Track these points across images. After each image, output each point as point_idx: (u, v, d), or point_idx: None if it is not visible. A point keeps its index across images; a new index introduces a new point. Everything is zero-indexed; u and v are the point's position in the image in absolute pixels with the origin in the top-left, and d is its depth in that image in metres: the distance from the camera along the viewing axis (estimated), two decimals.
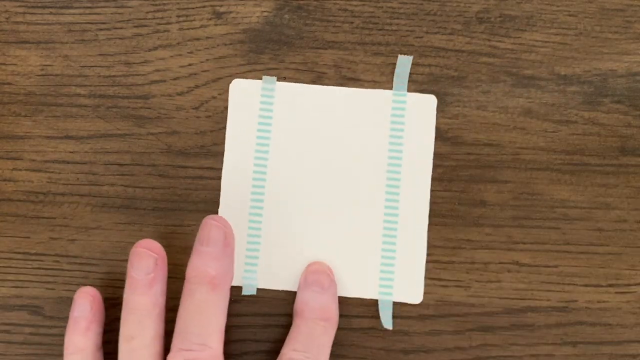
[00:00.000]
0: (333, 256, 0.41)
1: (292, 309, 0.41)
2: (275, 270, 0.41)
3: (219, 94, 0.42)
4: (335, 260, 0.41)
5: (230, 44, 0.42)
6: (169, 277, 0.41)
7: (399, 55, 0.42)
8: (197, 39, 0.42)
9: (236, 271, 0.41)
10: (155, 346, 0.37)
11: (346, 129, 0.42)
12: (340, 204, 0.41)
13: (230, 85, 0.42)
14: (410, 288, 0.41)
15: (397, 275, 0.40)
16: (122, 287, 0.41)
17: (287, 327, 0.41)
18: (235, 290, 0.41)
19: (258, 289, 0.41)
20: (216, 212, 0.41)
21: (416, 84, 0.42)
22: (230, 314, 0.41)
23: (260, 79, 0.42)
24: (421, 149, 0.41)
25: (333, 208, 0.41)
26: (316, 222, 0.41)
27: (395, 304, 0.41)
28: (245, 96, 0.42)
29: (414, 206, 0.41)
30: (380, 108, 0.42)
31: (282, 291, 0.41)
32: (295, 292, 0.41)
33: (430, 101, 0.42)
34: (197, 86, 0.42)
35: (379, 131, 0.42)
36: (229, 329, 0.41)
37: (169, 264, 0.41)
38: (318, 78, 0.42)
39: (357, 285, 0.41)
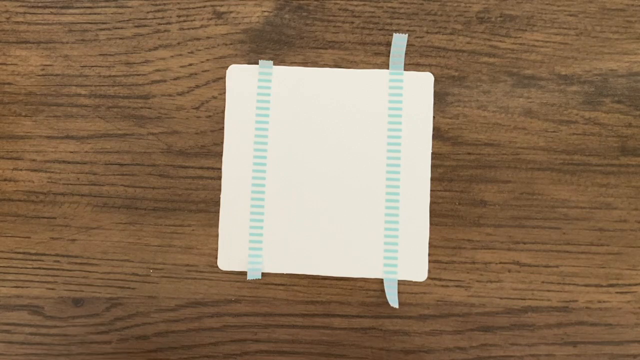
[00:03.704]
0: (336, 238, 0.41)
1: (292, 308, 0.41)
2: (280, 254, 0.41)
3: (219, 94, 0.42)
4: (339, 241, 0.41)
5: (231, 44, 0.42)
6: (169, 277, 0.41)
7: (394, 34, 0.42)
8: (198, 39, 0.42)
9: (241, 257, 0.41)
10: None
11: (344, 109, 0.42)
12: (341, 185, 0.41)
13: (227, 70, 0.42)
14: (414, 266, 0.41)
15: (400, 254, 0.41)
16: (122, 287, 0.41)
17: (287, 327, 0.41)
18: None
19: (262, 282, 0.41)
20: (217, 211, 0.42)
21: None
22: (230, 314, 0.41)
23: None
24: (420, 127, 0.41)
25: (335, 190, 0.41)
26: (319, 204, 0.41)
27: (398, 298, 0.41)
28: (243, 81, 0.42)
29: (415, 184, 0.41)
30: (378, 87, 0.42)
31: (282, 291, 0.41)
32: (299, 278, 0.41)
33: (427, 78, 0.42)
34: (197, 86, 0.42)
35: (377, 110, 0.42)
36: (229, 329, 0.41)
37: (169, 264, 0.41)
38: None
39: (362, 265, 0.41)
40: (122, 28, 0.43)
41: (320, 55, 0.42)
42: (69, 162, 0.42)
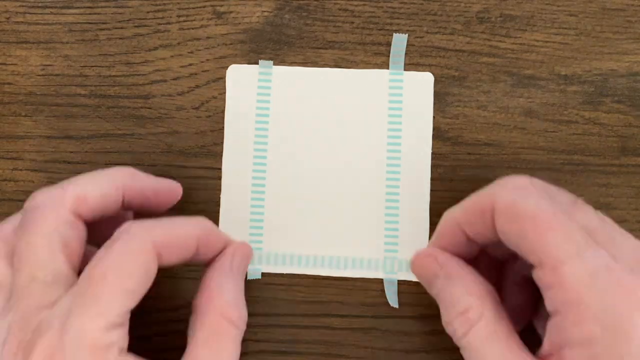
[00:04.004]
0: (337, 238, 0.41)
1: (292, 308, 0.41)
2: (280, 255, 0.41)
3: (219, 94, 0.42)
4: (339, 242, 0.41)
5: (231, 44, 0.42)
6: (169, 277, 0.41)
7: (394, 34, 0.42)
8: (198, 39, 0.42)
9: None
10: None
11: (345, 109, 0.42)
12: (341, 185, 0.41)
13: (227, 70, 0.42)
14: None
15: (400, 255, 0.41)
16: None
17: (287, 327, 0.41)
18: None
19: (262, 282, 0.41)
20: (217, 211, 0.41)
21: None
22: None
23: None
24: (420, 127, 0.41)
25: (335, 189, 0.41)
26: (318, 204, 0.41)
27: (399, 296, 0.41)
28: (243, 81, 0.42)
29: (415, 184, 0.41)
30: (378, 87, 0.42)
31: (282, 291, 0.41)
32: (299, 278, 0.41)
33: (427, 79, 0.42)
34: (197, 86, 0.42)
35: (377, 110, 0.42)
36: None
37: None
38: None
39: (362, 265, 0.41)
40: (122, 28, 0.43)
41: (320, 55, 0.42)
42: (69, 162, 0.42)
